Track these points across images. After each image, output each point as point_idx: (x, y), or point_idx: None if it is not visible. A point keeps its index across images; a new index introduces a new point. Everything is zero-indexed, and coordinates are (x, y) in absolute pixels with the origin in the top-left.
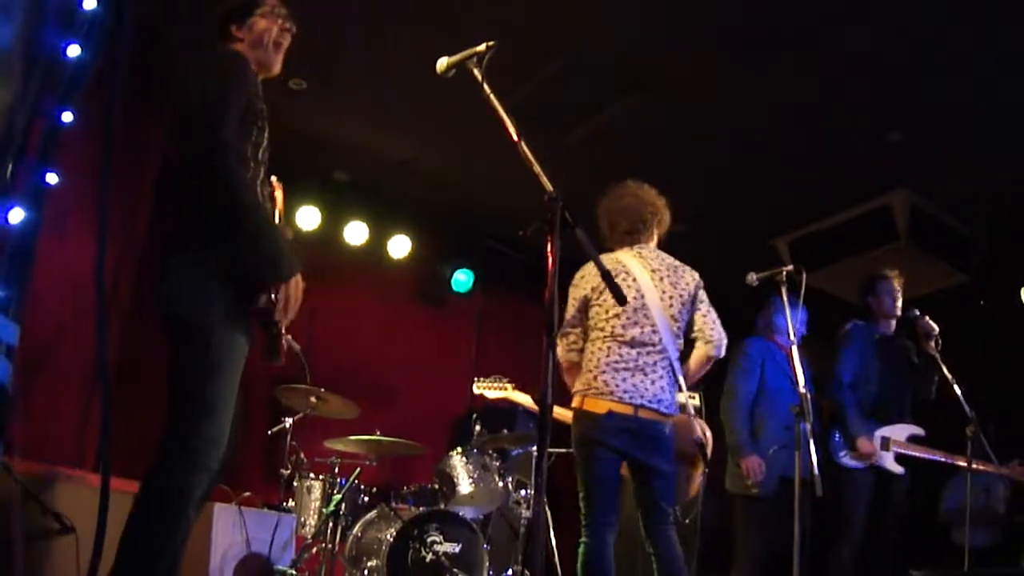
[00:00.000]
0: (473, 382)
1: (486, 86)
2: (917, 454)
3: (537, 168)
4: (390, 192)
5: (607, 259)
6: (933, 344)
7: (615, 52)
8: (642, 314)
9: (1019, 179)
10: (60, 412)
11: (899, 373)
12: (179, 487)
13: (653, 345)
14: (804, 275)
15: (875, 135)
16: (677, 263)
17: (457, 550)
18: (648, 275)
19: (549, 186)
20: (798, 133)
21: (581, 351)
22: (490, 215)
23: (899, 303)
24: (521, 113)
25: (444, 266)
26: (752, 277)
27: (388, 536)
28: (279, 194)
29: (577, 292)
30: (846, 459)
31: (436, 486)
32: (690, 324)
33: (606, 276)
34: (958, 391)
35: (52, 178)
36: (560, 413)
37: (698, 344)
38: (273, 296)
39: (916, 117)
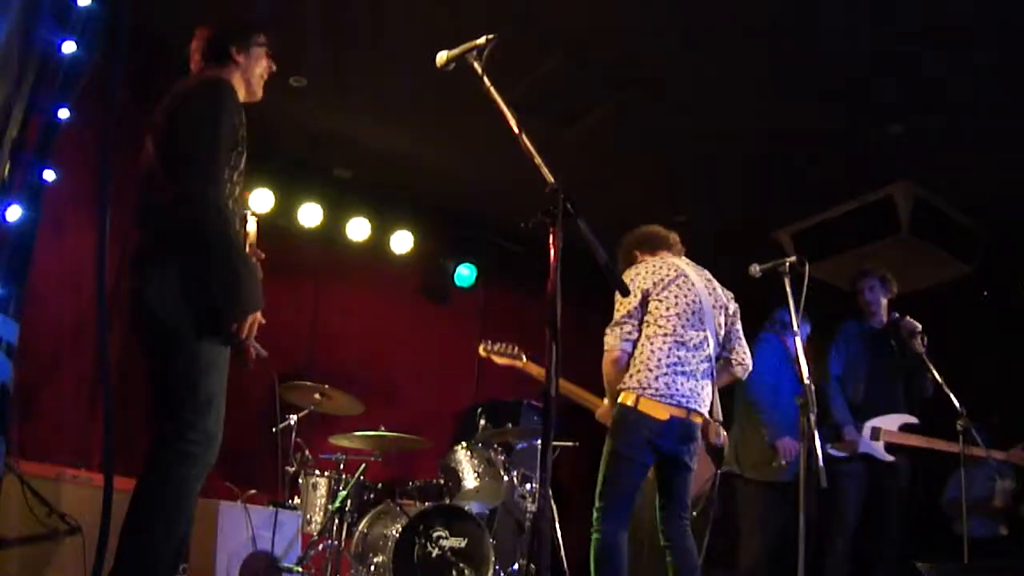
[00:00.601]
0: (481, 348)
1: (486, 79)
2: (909, 443)
3: (538, 160)
4: (392, 188)
5: (660, 262)
6: (919, 342)
7: (615, 46)
8: (698, 318)
9: (1021, 170)
10: (65, 412)
11: (889, 367)
12: (179, 485)
13: (704, 350)
14: (807, 267)
15: (877, 127)
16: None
17: (463, 545)
18: (703, 282)
19: (550, 177)
20: (799, 125)
21: (634, 344)
22: (492, 209)
23: (883, 298)
24: (522, 106)
25: (447, 261)
26: (755, 269)
27: (394, 532)
28: (252, 222)
29: (638, 285)
30: (831, 450)
31: (441, 481)
32: (726, 341)
33: (606, 267)
34: (947, 388)
35: (49, 175)
36: (582, 395)
37: (730, 366)
38: (235, 326)
39: (918, 108)
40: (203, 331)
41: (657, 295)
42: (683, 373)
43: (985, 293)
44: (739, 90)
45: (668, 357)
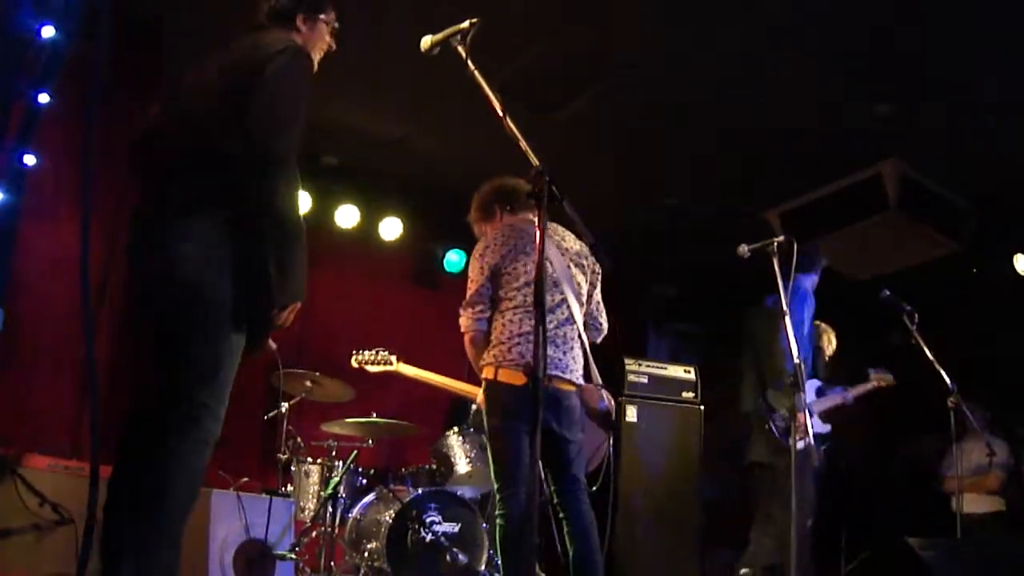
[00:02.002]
0: (354, 355)
1: (470, 63)
2: (831, 406)
3: (524, 144)
4: (380, 174)
5: (509, 231)
6: (908, 321)
7: (603, 29)
8: (551, 282)
9: (1010, 147)
10: (56, 401)
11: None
12: (196, 476)
13: (561, 313)
14: (795, 246)
15: (865, 105)
16: (578, 239)
17: (456, 530)
18: (555, 244)
19: (536, 160)
20: (787, 104)
21: (490, 322)
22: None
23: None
24: (507, 91)
25: (436, 247)
26: (743, 249)
27: (387, 518)
28: None
29: (487, 261)
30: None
31: (433, 467)
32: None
33: (594, 247)
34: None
35: (30, 160)
36: (459, 387)
37: (586, 328)
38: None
39: (905, 87)
40: (246, 310)
41: (506, 268)
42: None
43: (974, 270)
44: (726, 72)
45: (520, 327)
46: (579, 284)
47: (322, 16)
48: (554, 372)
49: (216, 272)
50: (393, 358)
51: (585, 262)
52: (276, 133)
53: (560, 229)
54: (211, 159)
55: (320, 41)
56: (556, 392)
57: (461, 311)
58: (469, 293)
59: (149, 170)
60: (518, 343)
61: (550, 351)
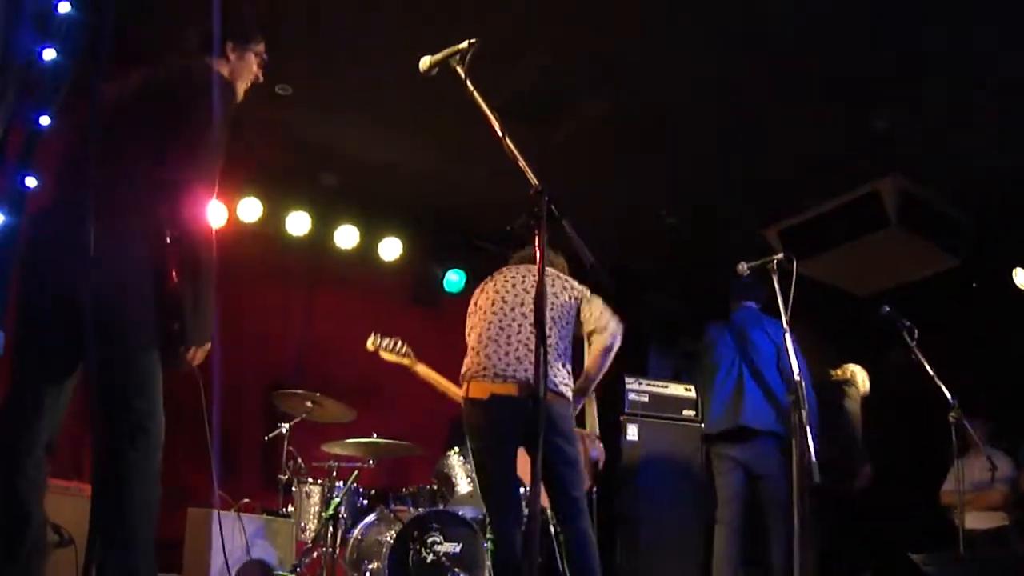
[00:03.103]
0: (369, 342)
1: (469, 83)
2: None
3: (523, 163)
4: (379, 195)
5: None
6: (908, 337)
7: (598, 48)
8: (509, 307)
9: (1008, 161)
10: None
11: None
12: (148, 472)
13: (524, 326)
14: (795, 263)
15: (862, 121)
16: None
17: (457, 550)
18: (511, 283)
19: (535, 180)
20: (785, 122)
21: None
22: (479, 214)
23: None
24: (506, 110)
25: (436, 267)
26: (743, 267)
27: (388, 538)
28: None
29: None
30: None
31: (435, 487)
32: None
33: (593, 267)
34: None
35: (31, 182)
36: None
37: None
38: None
39: (903, 102)
40: (160, 335)
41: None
42: (496, 343)
43: (974, 285)
44: (724, 90)
45: (479, 340)
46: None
47: (251, 46)
48: (521, 376)
49: (140, 288)
50: (412, 354)
51: (560, 295)
52: (197, 179)
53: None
54: (136, 182)
55: (247, 72)
56: (516, 400)
57: None
58: None
59: (77, 176)
60: (478, 352)
61: (514, 354)
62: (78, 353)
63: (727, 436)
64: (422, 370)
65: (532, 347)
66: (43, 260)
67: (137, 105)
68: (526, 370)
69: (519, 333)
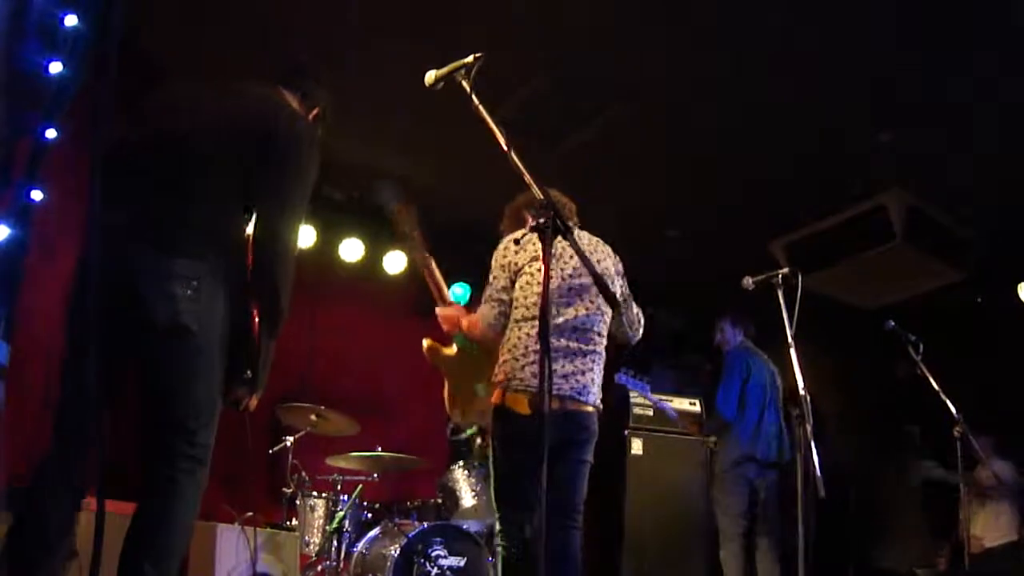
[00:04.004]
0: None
1: (475, 97)
2: None
3: (528, 177)
4: (384, 208)
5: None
6: (913, 351)
7: (603, 63)
8: (575, 294)
9: (1014, 176)
10: None
11: None
12: (196, 505)
13: (586, 331)
14: (800, 278)
15: (868, 135)
16: (600, 241)
17: (462, 564)
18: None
19: (540, 194)
20: (791, 136)
21: (505, 324)
22: (484, 227)
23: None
24: (511, 124)
25: None
26: (748, 281)
27: (392, 552)
28: None
29: (508, 259)
30: None
31: (439, 500)
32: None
33: (598, 280)
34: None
35: (37, 195)
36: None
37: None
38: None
39: (908, 116)
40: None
41: (529, 269)
42: (553, 358)
43: (979, 299)
44: (729, 104)
45: (536, 343)
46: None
47: (320, 108)
48: (568, 394)
49: (212, 319)
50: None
51: (606, 254)
52: (288, 229)
53: (588, 237)
54: (221, 220)
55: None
56: (569, 414)
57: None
58: (490, 290)
59: (139, 192)
60: (533, 362)
61: (568, 369)
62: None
63: (751, 459)
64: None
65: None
66: (112, 283)
67: (223, 135)
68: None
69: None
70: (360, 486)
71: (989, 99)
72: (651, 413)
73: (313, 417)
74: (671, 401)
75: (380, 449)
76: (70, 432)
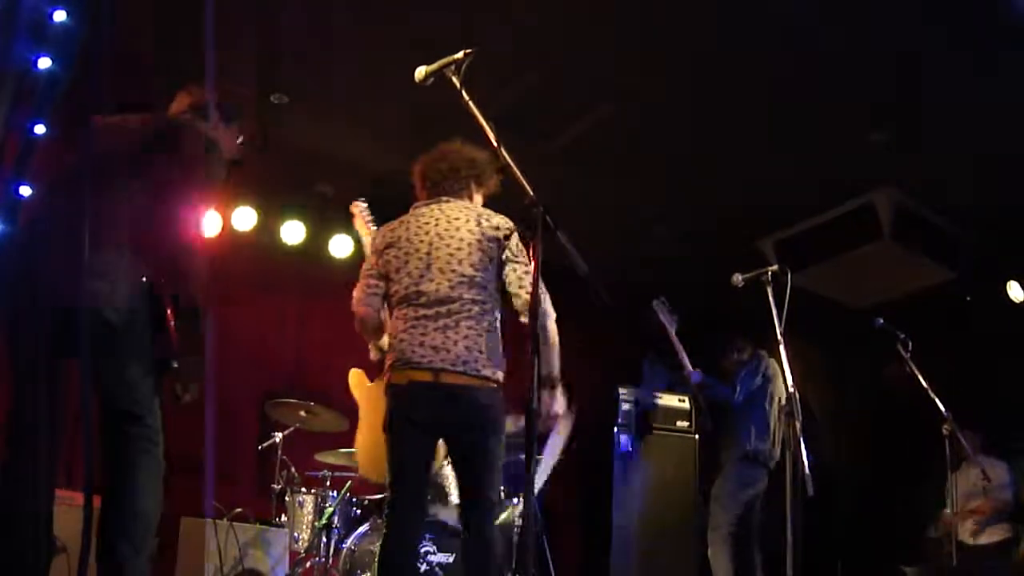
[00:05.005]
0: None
1: (464, 93)
2: None
3: (517, 174)
4: (374, 204)
5: (404, 218)
6: (902, 349)
7: (593, 59)
8: (436, 268)
9: (1001, 174)
10: None
11: None
12: (158, 483)
13: (452, 301)
14: (789, 275)
15: (858, 134)
16: (488, 212)
17: (450, 560)
18: (444, 225)
19: (530, 191)
20: (781, 134)
21: (382, 299)
22: None
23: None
24: (501, 120)
25: None
26: (737, 278)
27: None
28: None
29: (378, 237)
30: None
31: (428, 497)
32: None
33: (587, 278)
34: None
35: (26, 190)
36: None
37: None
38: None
39: (897, 115)
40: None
41: (394, 249)
42: (422, 333)
43: (968, 298)
44: (719, 102)
45: (406, 321)
46: (470, 248)
47: (233, 124)
48: (438, 365)
49: (133, 310)
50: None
51: (488, 221)
52: (191, 217)
53: (463, 204)
54: (137, 218)
55: (229, 144)
56: (440, 387)
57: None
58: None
59: (76, 195)
60: (402, 339)
61: (436, 340)
62: (65, 363)
63: (758, 457)
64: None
65: None
66: (43, 272)
67: (138, 145)
68: None
69: None
70: (349, 482)
71: (985, 97)
72: (640, 411)
73: (302, 413)
74: (661, 398)
75: None
76: (29, 432)
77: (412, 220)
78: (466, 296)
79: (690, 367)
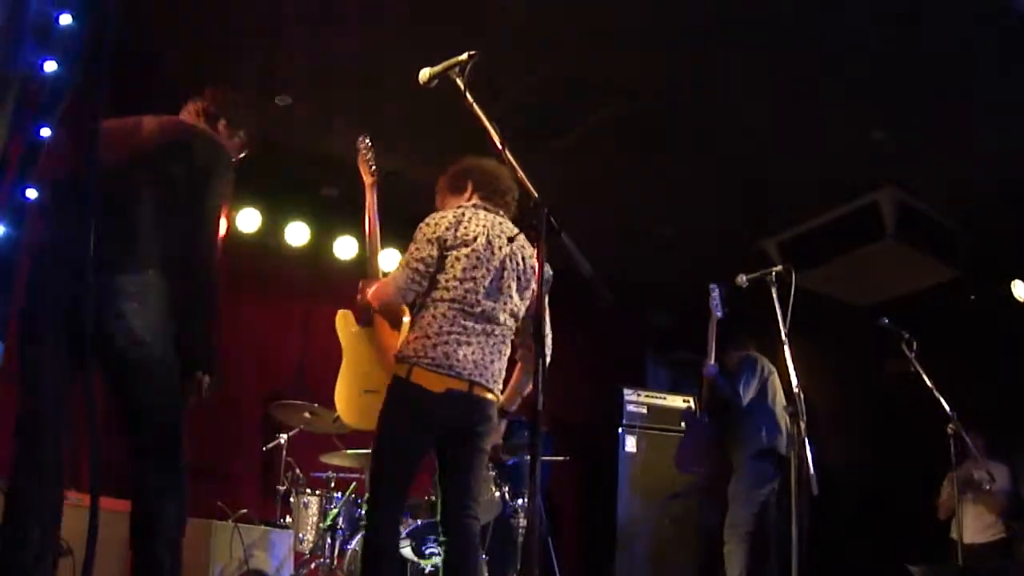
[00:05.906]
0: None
1: (469, 95)
2: None
3: (521, 175)
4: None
5: (472, 213)
6: (907, 348)
7: (598, 59)
8: (495, 287)
9: (1005, 172)
10: None
11: None
12: (184, 493)
13: (496, 323)
14: (793, 275)
15: (860, 133)
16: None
17: None
18: (516, 247)
19: (534, 192)
20: (783, 134)
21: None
22: None
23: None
24: (505, 122)
25: None
26: (742, 279)
27: None
28: None
29: (439, 232)
30: None
31: (433, 498)
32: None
33: (591, 280)
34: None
35: (32, 193)
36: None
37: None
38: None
39: (900, 114)
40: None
41: (456, 250)
42: (466, 344)
43: (972, 297)
44: (722, 101)
45: (452, 325)
46: (519, 297)
47: (240, 132)
48: (476, 379)
49: (165, 335)
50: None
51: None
52: (209, 243)
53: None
54: (158, 240)
55: (234, 151)
56: (475, 399)
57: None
58: (412, 256)
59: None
60: (446, 342)
61: (476, 356)
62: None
63: (772, 452)
64: (370, 200)
65: None
66: (55, 279)
67: (155, 158)
68: None
69: None
70: (354, 483)
71: (986, 96)
72: (645, 411)
73: (307, 415)
74: (664, 399)
75: None
76: (41, 433)
77: (487, 224)
78: (508, 323)
79: (712, 360)
